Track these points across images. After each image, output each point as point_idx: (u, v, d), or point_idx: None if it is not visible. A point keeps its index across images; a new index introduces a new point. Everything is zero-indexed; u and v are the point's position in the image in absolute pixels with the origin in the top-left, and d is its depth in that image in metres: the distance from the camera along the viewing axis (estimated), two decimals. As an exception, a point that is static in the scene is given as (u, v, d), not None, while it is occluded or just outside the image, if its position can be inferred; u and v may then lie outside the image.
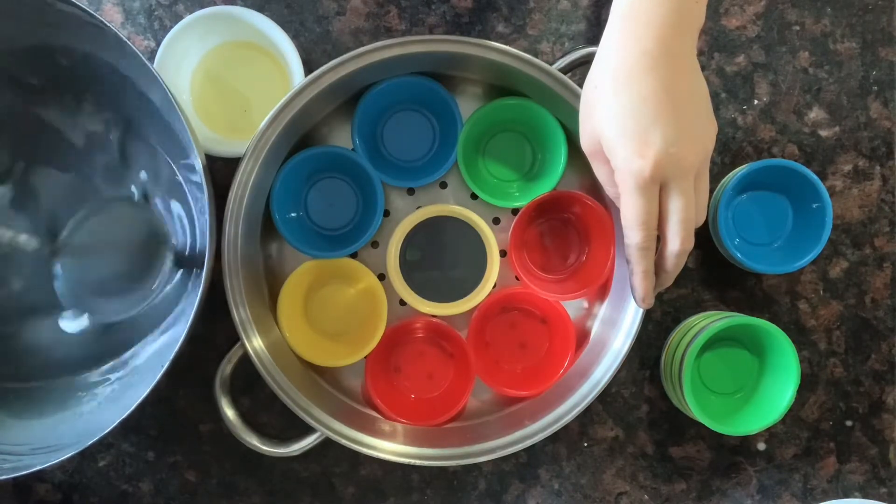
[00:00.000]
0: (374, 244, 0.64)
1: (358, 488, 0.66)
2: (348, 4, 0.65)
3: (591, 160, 0.51)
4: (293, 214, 0.63)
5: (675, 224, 0.48)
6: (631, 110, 0.46)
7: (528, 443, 0.59)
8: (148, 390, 0.52)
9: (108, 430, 0.51)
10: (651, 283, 0.50)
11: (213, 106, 0.64)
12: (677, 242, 0.48)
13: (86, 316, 0.63)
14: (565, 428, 0.59)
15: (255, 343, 0.59)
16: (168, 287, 0.63)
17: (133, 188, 0.64)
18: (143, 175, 0.63)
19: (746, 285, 0.66)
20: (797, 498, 0.66)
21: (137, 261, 0.64)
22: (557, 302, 0.63)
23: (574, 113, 0.54)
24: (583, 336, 0.64)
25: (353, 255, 0.63)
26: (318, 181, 0.64)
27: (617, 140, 0.47)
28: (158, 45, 0.61)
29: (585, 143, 0.50)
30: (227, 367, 0.59)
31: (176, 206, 0.63)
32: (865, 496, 0.65)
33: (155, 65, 0.61)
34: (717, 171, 0.65)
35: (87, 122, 0.62)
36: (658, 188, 0.47)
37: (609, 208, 0.61)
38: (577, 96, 0.57)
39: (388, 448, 0.59)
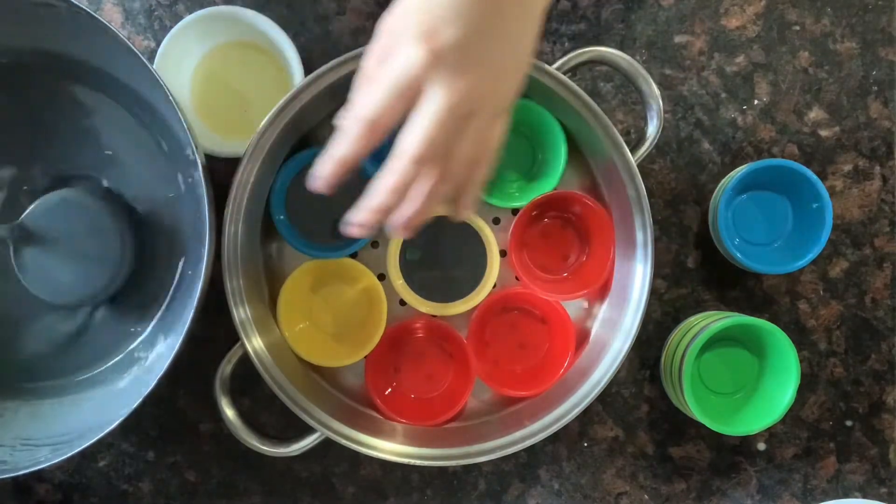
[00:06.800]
0: (374, 244, 0.64)
1: (358, 488, 0.66)
2: (348, 4, 0.65)
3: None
4: (293, 214, 0.63)
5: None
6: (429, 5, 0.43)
7: (528, 443, 0.59)
8: (147, 390, 0.52)
9: (108, 430, 0.51)
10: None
11: (213, 106, 0.64)
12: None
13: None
14: (565, 428, 0.59)
15: (255, 343, 0.59)
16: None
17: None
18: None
19: (746, 285, 0.66)
20: (797, 498, 0.66)
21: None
22: (557, 302, 0.63)
23: (574, 113, 0.54)
24: (583, 336, 0.64)
25: (353, 255, 0.63)
26: (318, 181, 0.64)
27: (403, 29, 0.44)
28: (158, 45, 0.61)
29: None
30: (227, 367, 0.59)
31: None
32: (865, 496, 0.65)
33: (155, 65, 0.61)
34: (717, 171, 0.65)
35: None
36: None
37: (609, 208, 0.61)
38: (578, 96, 0.57)
39: (388, 448, 0.59)
